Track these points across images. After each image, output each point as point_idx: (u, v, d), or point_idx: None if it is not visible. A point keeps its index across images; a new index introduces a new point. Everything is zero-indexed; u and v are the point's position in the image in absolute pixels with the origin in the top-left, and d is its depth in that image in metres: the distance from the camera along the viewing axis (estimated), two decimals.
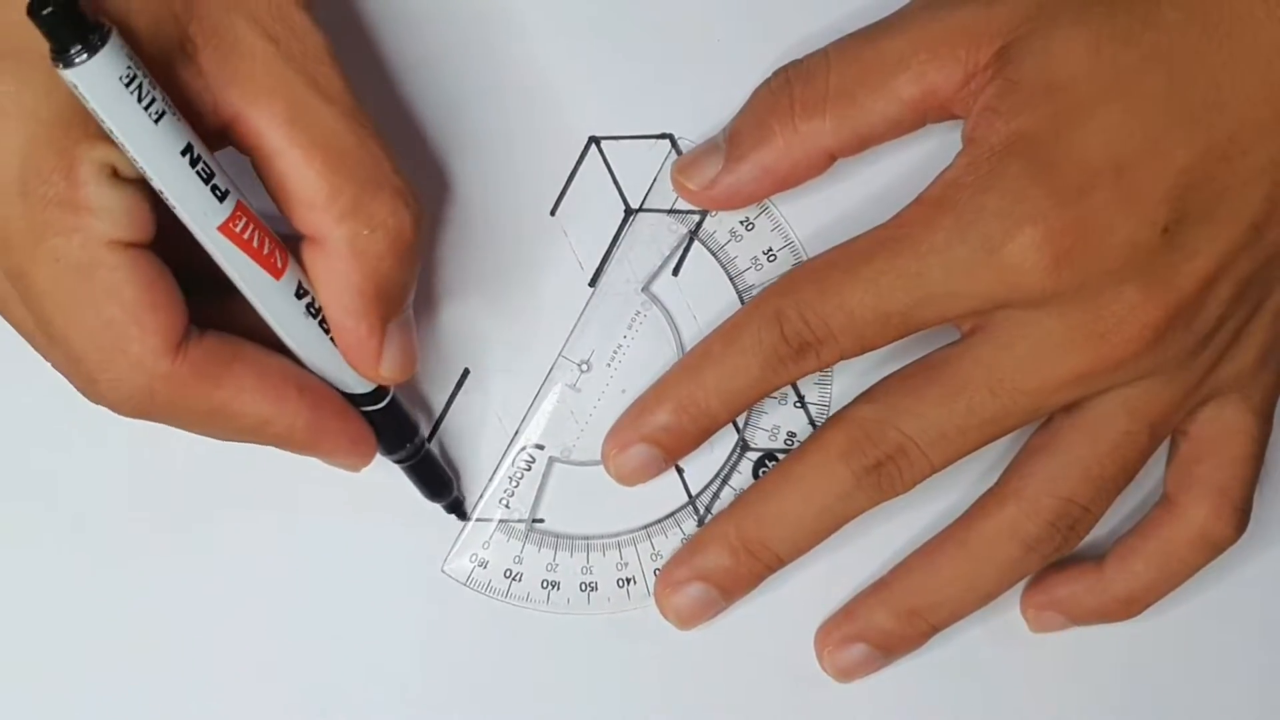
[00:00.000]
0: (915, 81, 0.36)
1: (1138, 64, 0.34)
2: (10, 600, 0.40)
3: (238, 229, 0.32)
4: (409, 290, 0.34)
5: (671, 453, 0.39)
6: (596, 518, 0.40)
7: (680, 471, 0.40)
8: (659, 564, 0.40)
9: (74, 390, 0.33)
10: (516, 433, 0.40)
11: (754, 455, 0.40)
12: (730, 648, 0.41)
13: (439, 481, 0.39)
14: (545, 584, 0.40)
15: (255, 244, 0.32)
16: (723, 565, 0.39)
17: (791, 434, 0.40)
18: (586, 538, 0.40)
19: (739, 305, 0.40)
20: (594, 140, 0.40)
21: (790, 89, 0.37)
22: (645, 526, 0.40)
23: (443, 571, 0.40)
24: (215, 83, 0.31)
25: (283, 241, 0.33)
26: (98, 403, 0.33)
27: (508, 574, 0.40)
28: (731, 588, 0.39)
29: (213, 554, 0.40)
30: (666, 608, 0.40)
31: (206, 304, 0.33)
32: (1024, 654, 0.41)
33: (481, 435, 0.40)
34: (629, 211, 0.40)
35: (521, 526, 0.40)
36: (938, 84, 0.36)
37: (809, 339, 0.36)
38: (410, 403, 0.39)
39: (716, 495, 0.40)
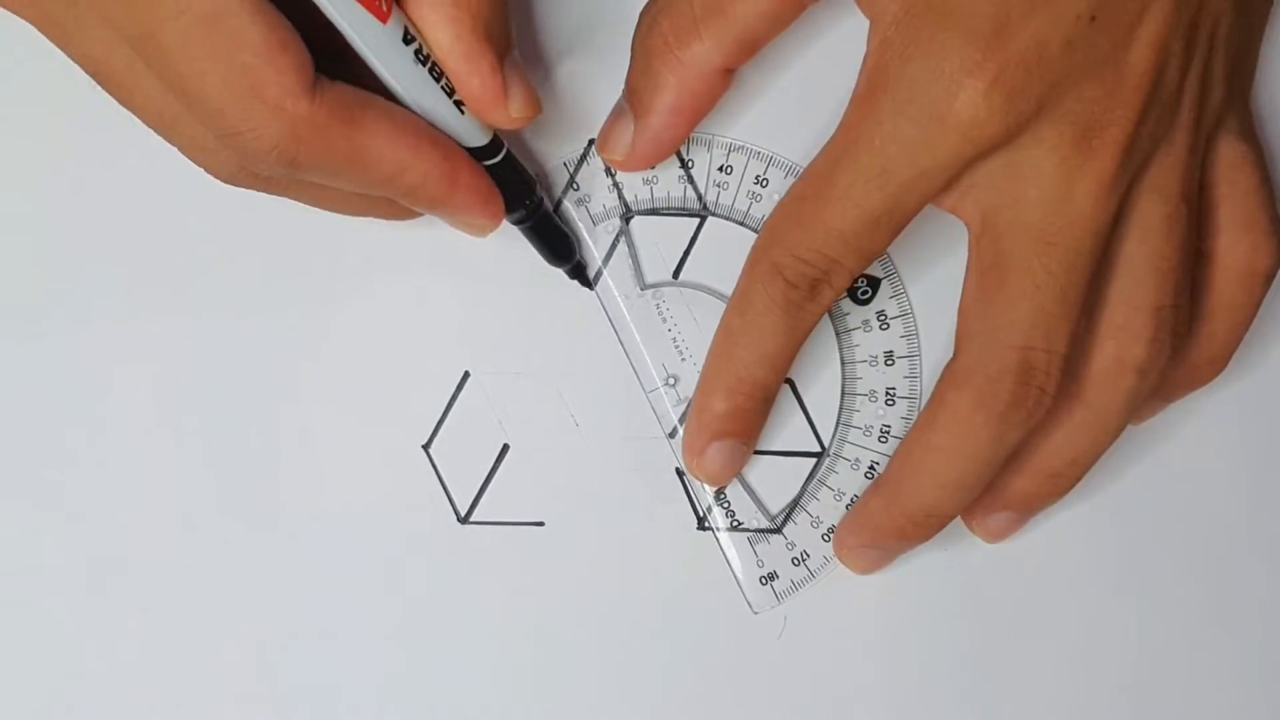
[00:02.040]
0: None
1: None
2: (12, 601, 0.40)
3: None
4: (511, 25, 0.35)
5: (745, 436, 0.39)
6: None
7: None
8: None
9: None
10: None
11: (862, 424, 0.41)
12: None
13: (561, 241, 0.39)
14: (796, 560, 0.41)
15: None
16: (891, 534, 0.39)
17: (891, 390, 0.41)
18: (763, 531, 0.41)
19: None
20: (593, 143, 0.40)
21: (659, 26, 0.37)
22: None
23: (756, 615, 0.41)
24: None
25: None
26: (246, 162, 0.34)
27: (795, 561, 0.41)
28: (905, 548, 0.40)
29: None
30: (847, 563, 0.40)
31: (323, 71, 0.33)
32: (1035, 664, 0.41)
33: (480, 439, 0.40)
34: (628, 215, 0.40)
35: (762, 524, 0.41)
36: None
37: (814, 275, 0.36)
38: (405, 406, 0.39)
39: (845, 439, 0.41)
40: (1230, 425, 0.42)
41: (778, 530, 0.41)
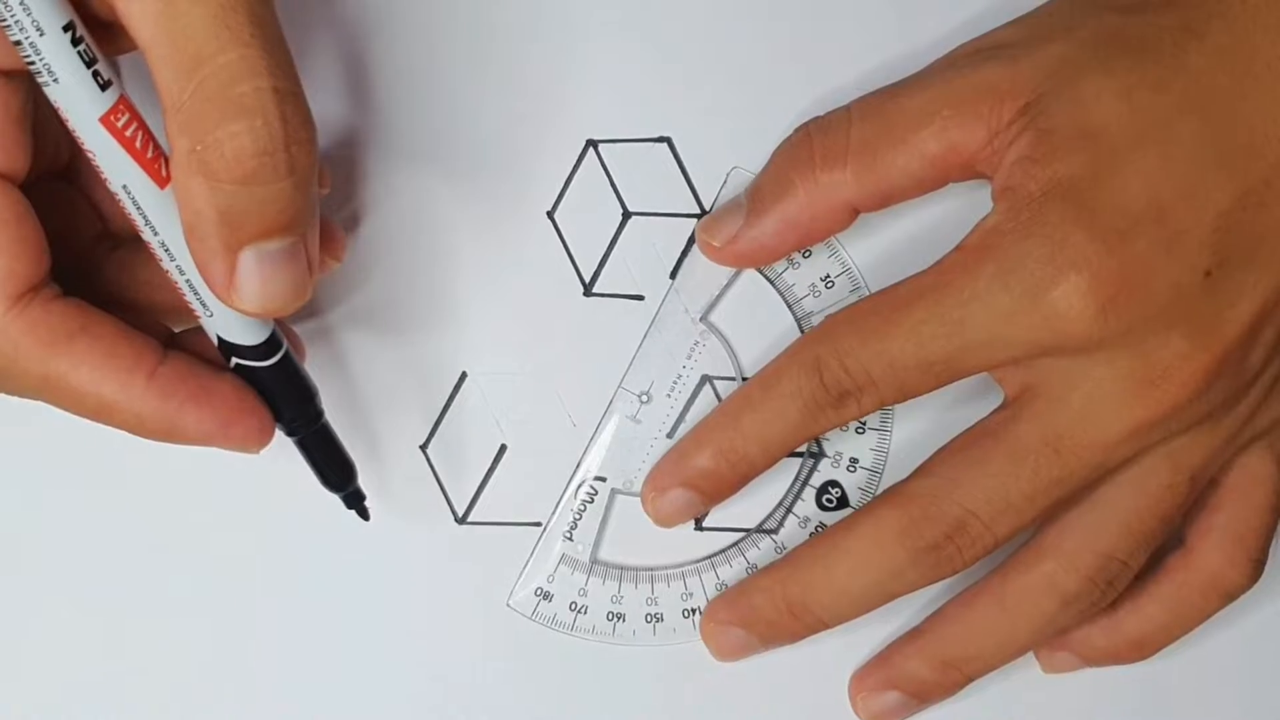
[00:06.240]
0: (937, 137, 0.35)
1: (1171, 110, 0.34)
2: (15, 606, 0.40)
3: (119, 123, 0.29)
4: (269, 219, 0.30)
5: (710, 498, 0.39)
6: (660, 548, 0.40)
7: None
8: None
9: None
10: (577, 465, 0.40)
11: (818, 483, 0.40)
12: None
13: (338, 464, 0.36)
14: (611, 616, 0.40)
15: (138, 144, 0.30)
16: (765, 618, 0.39)
17: (854, 460, 0.40)
18: (651, 569, 0.40)
19: (797, 332, 0.40)
20: (591, 143, 0.40)
21: (811, 142, 0.37)
22: (709, 556, 0.40)
23: (508, 605, 0.40)
24: None
25: None
26: None
27: (573, 607, 0.40)
28: (771, 639, 0.39)
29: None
30: (708, 641, 0.40)
31: (92, 265, 0.33)
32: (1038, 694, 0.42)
33: (478, 439, 0.40)
34: (626, 215, 0.40)
35: (585, 560, 0.40)
36: (960, 141, 0.35)
37: (849, 387, 0.36)
38: (402, 406, 0.39)
39: (781, 523, 0.40)
40: None
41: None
